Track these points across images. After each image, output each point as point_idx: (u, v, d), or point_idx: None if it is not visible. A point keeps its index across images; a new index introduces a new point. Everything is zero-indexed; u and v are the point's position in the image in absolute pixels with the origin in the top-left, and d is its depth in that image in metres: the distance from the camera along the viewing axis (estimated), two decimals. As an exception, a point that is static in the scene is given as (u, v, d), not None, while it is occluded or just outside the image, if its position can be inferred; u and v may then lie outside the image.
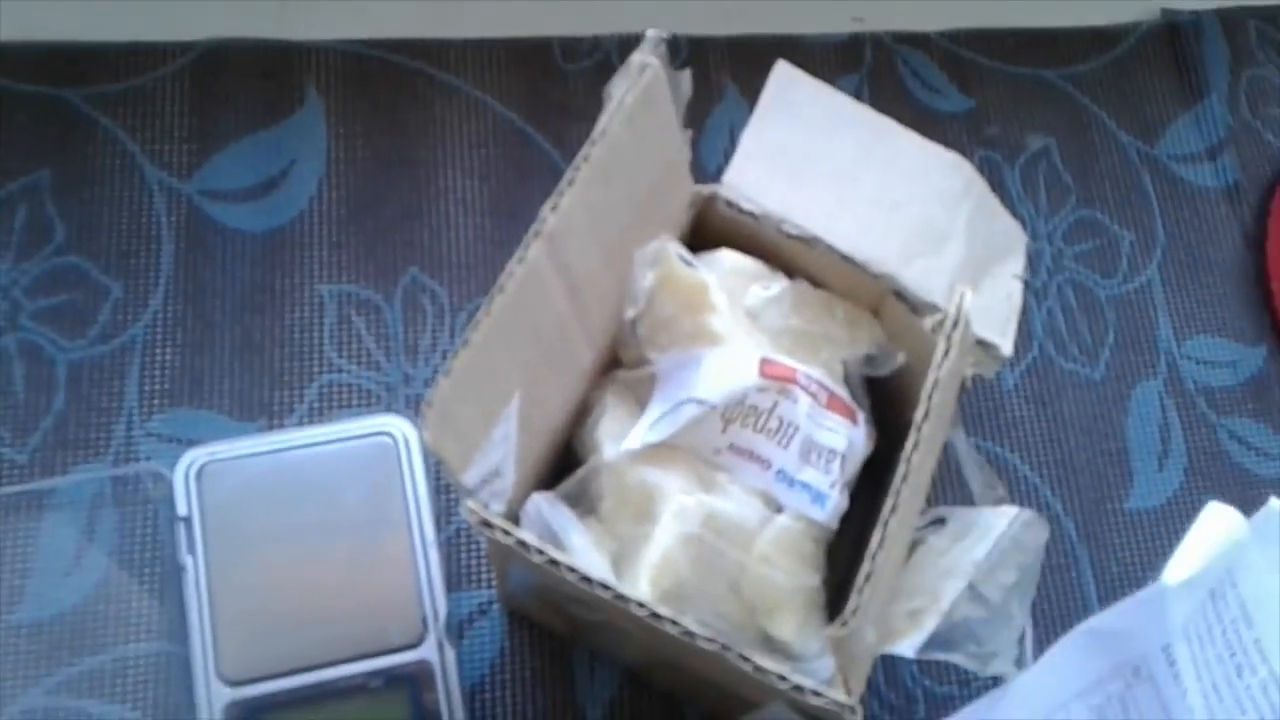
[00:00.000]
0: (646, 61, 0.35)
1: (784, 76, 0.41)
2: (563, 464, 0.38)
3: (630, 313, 0.37)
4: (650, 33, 0.36)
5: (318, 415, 0.46)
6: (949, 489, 0.47)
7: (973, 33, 0.57)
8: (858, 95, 0.53)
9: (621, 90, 0.35)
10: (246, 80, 0.50)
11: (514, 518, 0.34)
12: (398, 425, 0.43)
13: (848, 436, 0.37)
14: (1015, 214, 0.48)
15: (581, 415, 0.38)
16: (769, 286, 0.39)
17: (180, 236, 0.47)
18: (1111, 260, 0.54)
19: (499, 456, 0.32)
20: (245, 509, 0.41)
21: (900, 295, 0.39)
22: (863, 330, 0.40)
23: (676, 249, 0.37)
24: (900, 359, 0.40)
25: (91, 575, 0.42)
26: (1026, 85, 0.57)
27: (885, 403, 0.40)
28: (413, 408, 0.46)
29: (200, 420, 0.45)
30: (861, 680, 0.32)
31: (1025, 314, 0.50)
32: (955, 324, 0.36)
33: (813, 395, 0.37)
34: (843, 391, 0.38)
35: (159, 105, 0.49)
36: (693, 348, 0.37)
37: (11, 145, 0.47)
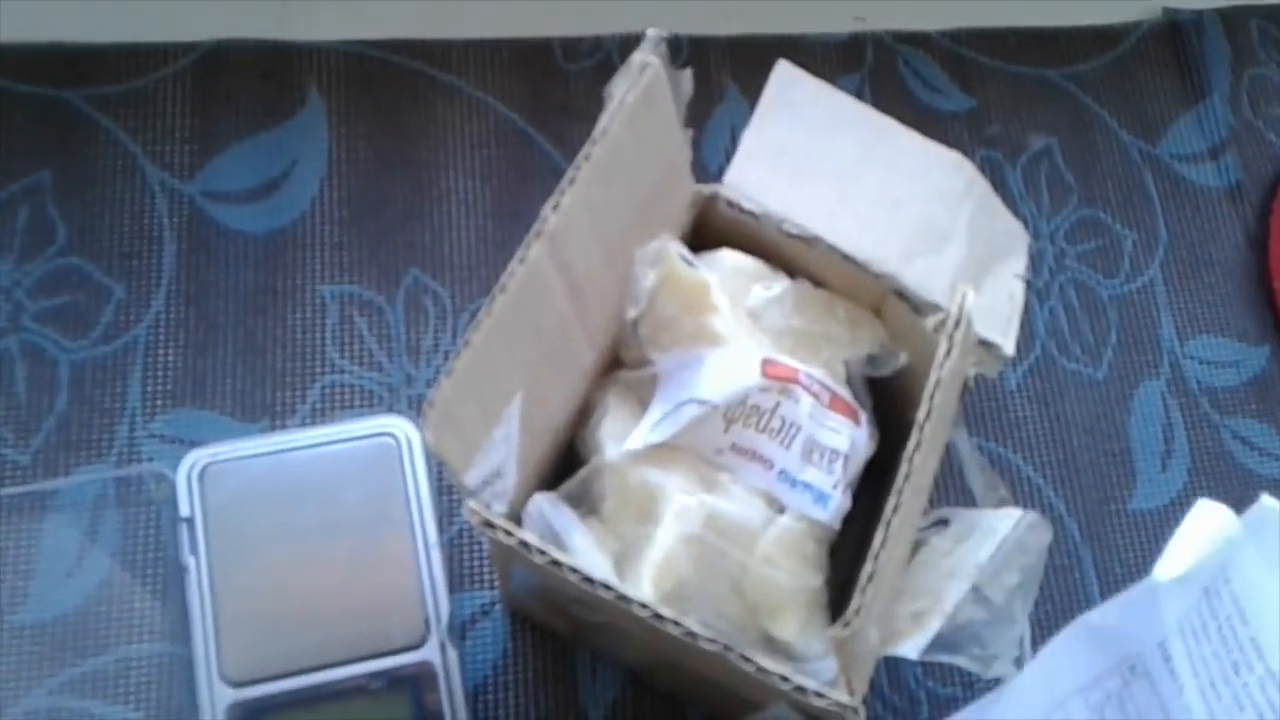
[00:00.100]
0: (647, 61, 0.35)
1: (785, 76, 0.41)
2: (565, 464, 0.38)
3: (632, 313, 0.37)
4: (651, 32, 0.36)
5: (320, 416, 0.46)
6: (951, 489, 0.47)
7: (974, 32, 0.57)
8: (859, 95, 0.53)
9: (622, 90, 0.35)
10: (248, 81, 0.50)
11: (516, 518, 0.34)
12: (400, 426, 0.43)
13: (850, 437, 0.37)
14: (1017, 213, 0.48)
15: (583, 415, 0.38)
16: (770, 286, 0.39)
17: (182, 238, 0.48)
18: (1114, 260, 0.54)
19: (501, 457, 0.32)
20: (248, 510, 0.41)
21: (902, 295, 0.39)
22: (864, 330, 0.40)
23: (678, 249, 0.37)
24: (902, 359, 0.40)
25: (94, 576, 0.42)
26: (1028, 85, 0.57)
27: (887, 403, 0.40)
28: (415, 408, 0.46)
29: (202, 421, 0.45)
30: (864, 681, 0.32)
31: (1027, 314, 0.50)
32: (957, 324, 0.36)
33: (815, 395, 0.37)
34: (845, 391, 0.38)
35: (160, 106, 0.49)
36: (694, 348, 0.37)
37: (12, 146, 0.47)
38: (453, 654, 0.40)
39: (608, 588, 0.31)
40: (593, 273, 0.35)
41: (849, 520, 0.38)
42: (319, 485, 0.41)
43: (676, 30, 0.54)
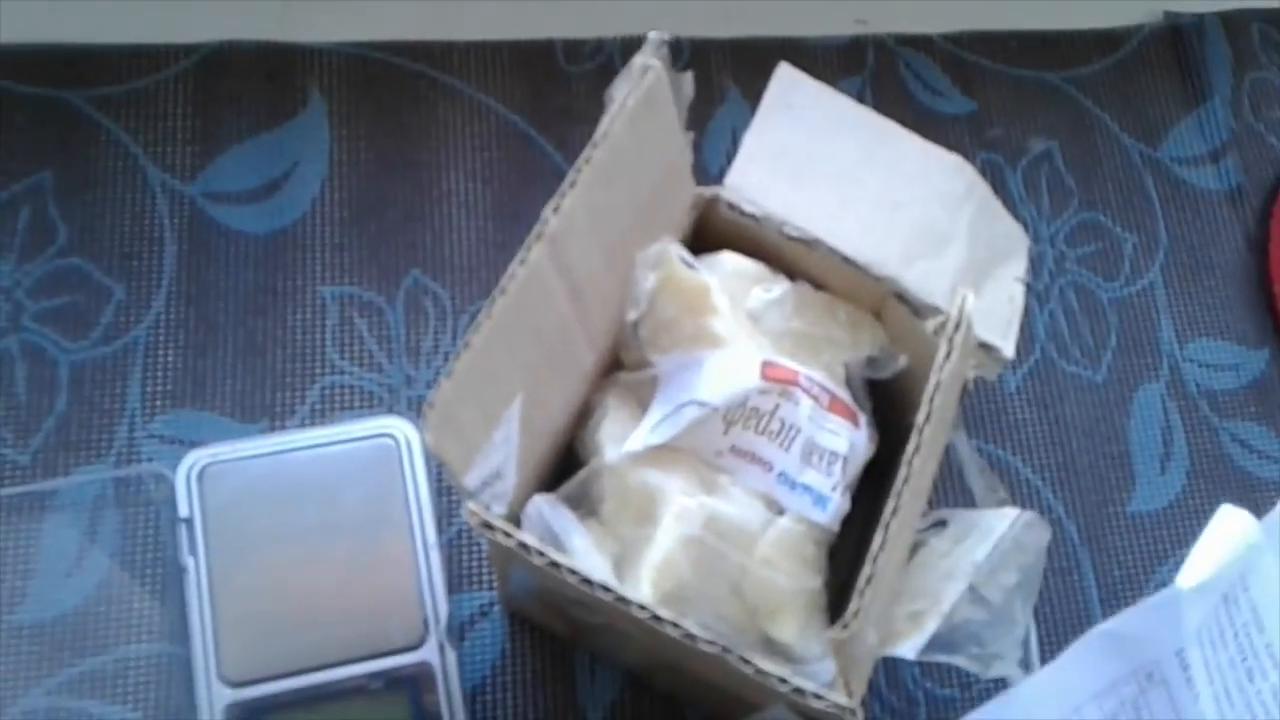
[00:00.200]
0: (648, 64, 0.35)
1: (786, 79, 0.41)
2: (564, 466, 0.38)
3: (632, 315, 0.37)
4: (652, 35, 0.36)
5: (319, 417, 0.46)
6: (951, 491, 0.47)
7: (975, 35, 0.57)
8: (860, 98, 0.53)
9: (624, 93, 0.35)
10: (249, 82, 0.50)
11: (515, 520, 0.34)
12: (399, 427, 0.43)
13: (849, 439, 0.37)
14: (1017, 216, 0.48)
15: (583, 417, 0.38)
16: (771, 289, 0.39)
17: (183, 238, 0.48)
18: (1114, 263, 0.54)
19: (500, 458, 0.32)
20: (247, 510, 0.41)
21: (902, 297, 0.39)
22: (864, 332, 0.40)
23: (678, 251, 0.37)
24: (902, 361, 0.40)
25: (93, 576, 0.42)
26: (1029, 88, 0.57)
27: (887, 405, 0.40)
28: (414, 409, 0.46)
29: (202, 422, 0.45)
30: (863, 683, 0.32)
31: (1027, 316, 0.50)
32: (957, 326, 0.36)
33: (814, 397, 0.37)
34: (844, 394, 0.38)
35: (162, 107, 0.49)
36: (694, 350, 0.37)
37: (13, 146, 0.48)
38: (451, 655, 0.40)
39: (607, 589, 0.31)
40: (593, 275, 0.35)
41: (848, 522, 0.38)
42: (318, 486, 0.41)
43: (678, 32, 0.54)
